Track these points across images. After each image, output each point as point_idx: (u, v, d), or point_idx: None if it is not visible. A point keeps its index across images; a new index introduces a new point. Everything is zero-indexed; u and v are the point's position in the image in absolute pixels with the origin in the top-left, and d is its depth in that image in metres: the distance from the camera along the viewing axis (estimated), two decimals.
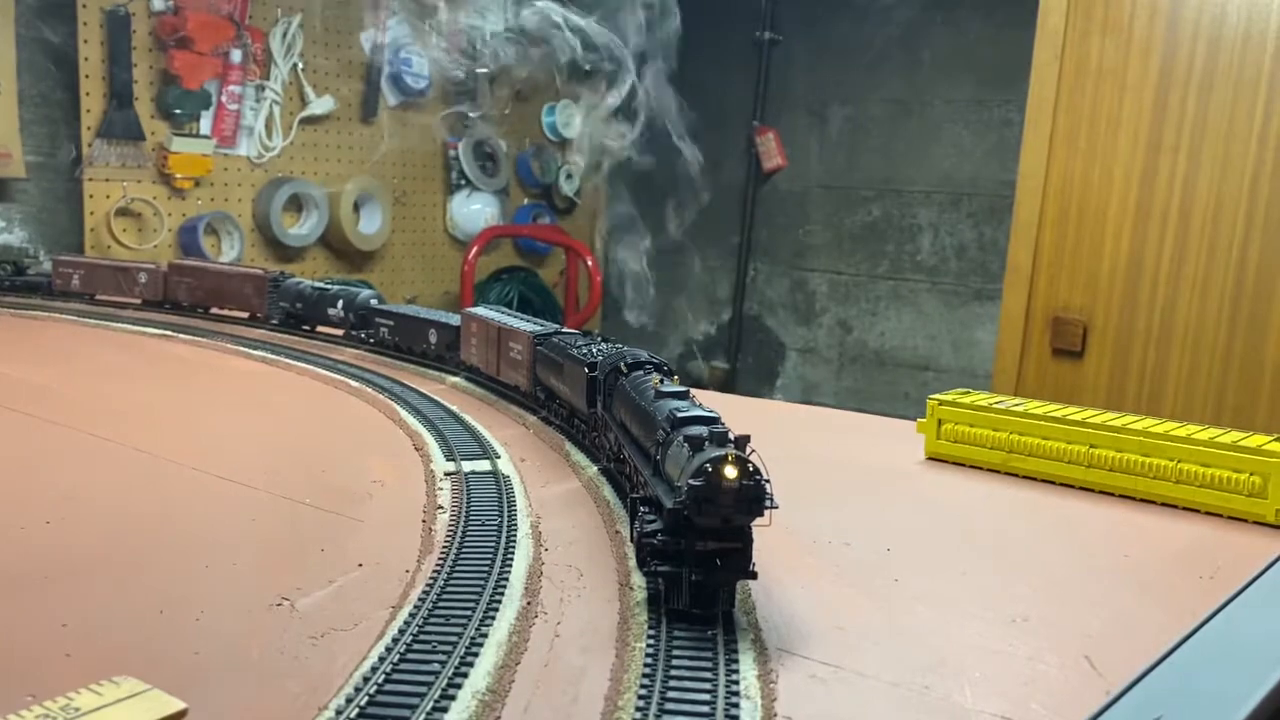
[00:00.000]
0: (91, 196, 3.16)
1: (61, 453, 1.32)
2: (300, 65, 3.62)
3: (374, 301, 2.07)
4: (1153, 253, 2.62)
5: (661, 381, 1.01)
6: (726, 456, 0.72)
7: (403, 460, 1.29)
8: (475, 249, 4.13)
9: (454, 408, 1.53)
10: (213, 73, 3.33)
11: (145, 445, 1.33)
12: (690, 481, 0.72)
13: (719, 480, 0.72)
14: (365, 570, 0.91)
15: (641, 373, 1.08)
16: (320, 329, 2.21)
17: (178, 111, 3.27)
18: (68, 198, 3.21)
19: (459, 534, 0.96)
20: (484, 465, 1.21)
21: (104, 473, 1.24)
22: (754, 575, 0.75)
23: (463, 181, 4.26)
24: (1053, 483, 1.27)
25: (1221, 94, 2.49)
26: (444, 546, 0.93)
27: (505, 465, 1.22)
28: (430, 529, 1.00)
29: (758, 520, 0.74)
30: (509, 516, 1.02)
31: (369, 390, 1.67)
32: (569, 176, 4.67)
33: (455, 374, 1.79)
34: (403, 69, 3.91)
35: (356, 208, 3.83)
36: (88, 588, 0.88)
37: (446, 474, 1.18)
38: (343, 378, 1.76)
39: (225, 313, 2.39)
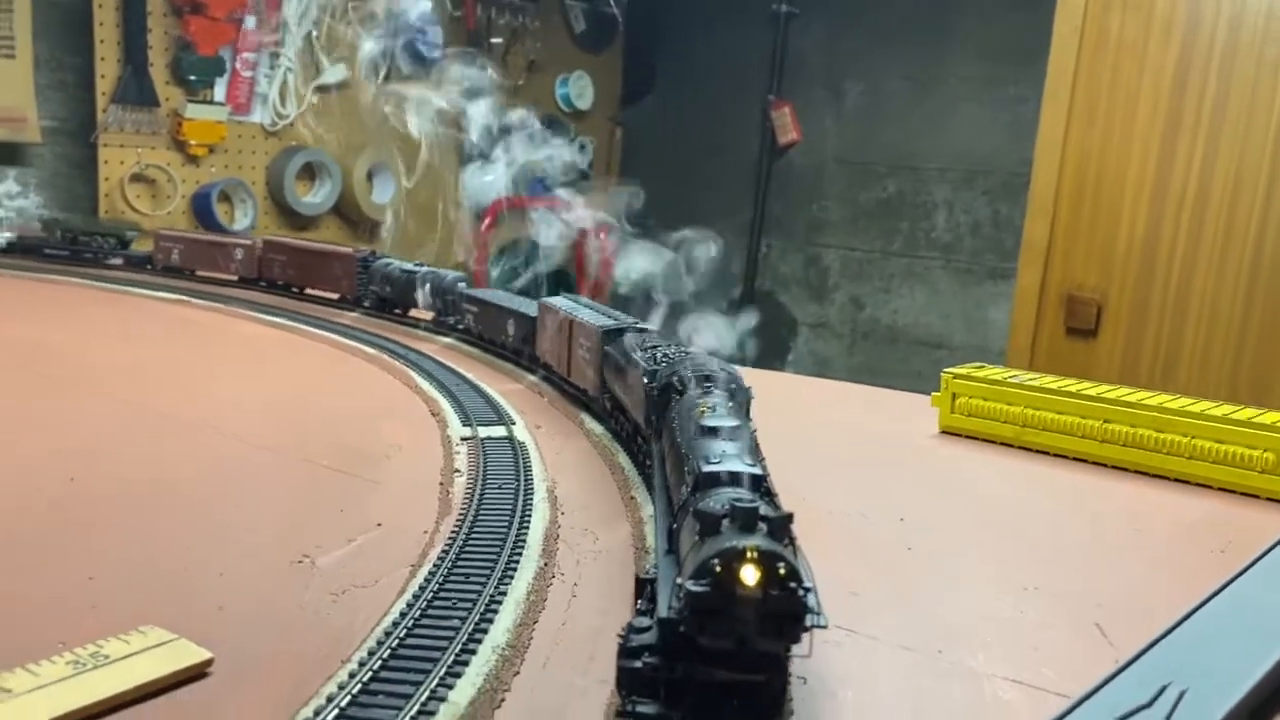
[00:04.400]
0: (106, 162, 3.17)
1: (85, 414, 1.33)
2: (315, 33, 3.60)
3: (461, 285, 1.87)
4: (1169, 230, 2.60)
5: (713, 408, 0.76)
6: (745, 552, 0.50)
7: (419, 425, 1.30)
8: (488, 220, 4.13)
9: (470, 375, 1.53)
10: (227, 39, 3.33)
11: (168, 409, 1.35)
12: (689, 585, 0.50)
13: (731, 587, 0.50)
14: (384, 530, 0.93)
15: (699, 391, 0.83)
16: (411, 313, 2.02)
17: (192, 78, 3.27)
18: (82, 163, 3.22)
19: (476, 496, 0.97)
20: (500, 431, 1.22)
21: (126, 434, 1.25)
22: None
23: (475, 152, 4.25)
24: (1066, 457, 1.28)
25: (1243, 70, 2.46)
26: (462, 508, 0.94)
27: (521, 431, 1.23)
28: (448, 491, 1.01)
29: (796, 648, 0.52)
30: (525, 481, 1.03)
31: (385, 358, 1.68)
32: (582, 148, 4.65)
33: (533, 372, 1.58)
34: (417, 37, 3.90)
35: (369, 177, 3.83)
36: (112, 544, 0.90)
37: (463, 439, 1.19)
38: (356, 343, 1.77)
39: (316, 293, 2.23)
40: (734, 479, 0.61)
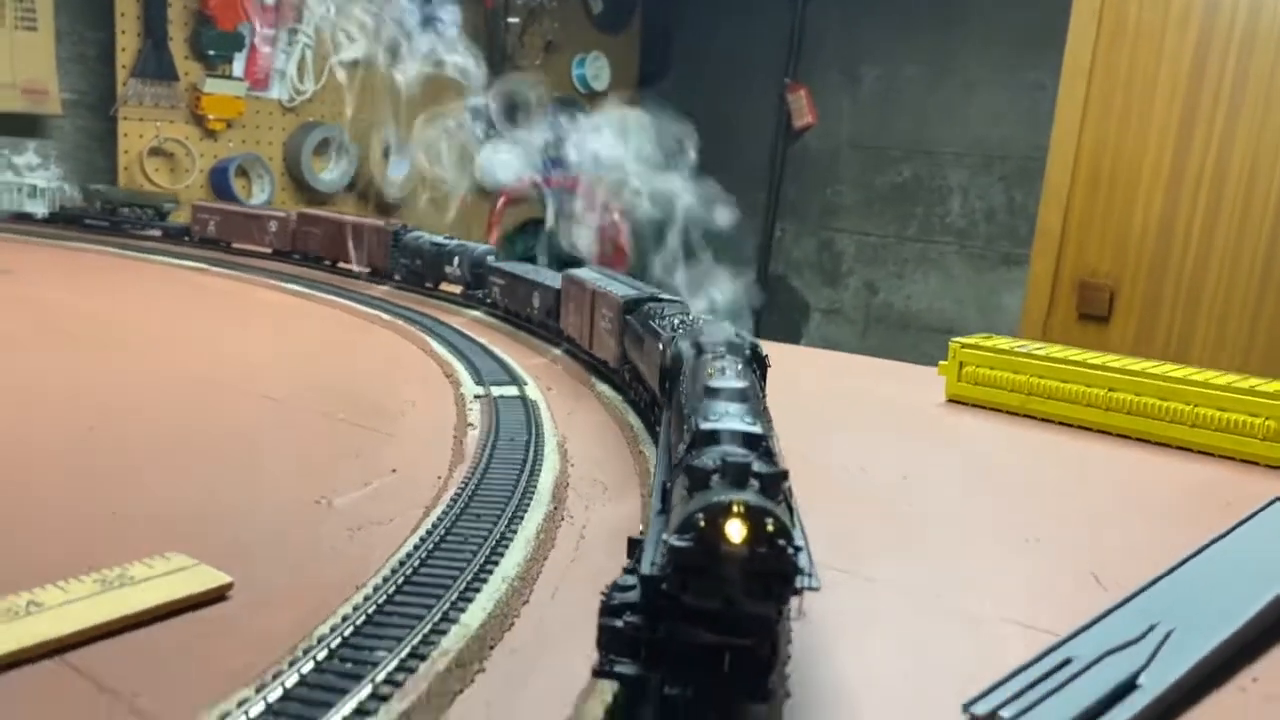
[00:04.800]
0: (125, 135, 3.20)
1: (115, 371, 1.37)
2: (333, 9, 3.62)
3: (490, 258, 1.87)
4: (1184, 217, 2.60)
5: (722, 370, 0.75)
6: (731, 506, 0.47)
7: (434, 385, 1.32)
8: (503, 199, 4.15)
9: (483, 340, 1.56)
10: (246, 15, 3.35)
11: (197, 368, 1.38)
12: (672, 540, 0.47)
13: (716, 542, 0.47)
14: (399, 475, 0.95)
15: (711, 356, 0.82)
16: (442, 287, 2.02)
17: (211, 53, 3.30)
18: (102, 136, 3.25)
19: (489, 447, 0.99)
20: (512, 391, 1.24)
21: (156, 389, 1.28)
22: (767, 697, 0.49)
23: (492, 131, 4.26)
24: (1071, 425, 1.29)
25: (1262, 56, 2.45)
26: (475, 457, 0.96)
27: (532, 391, 1.25)
28: (461, 443, 1.04)
29: (788, 610, 0.50)
30: (536, 435, 1.05)
31: (401, 323, 1.70)
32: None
33: (558, 346, 1.55)
34: (433, 15, 3.91)
35: (386, 154, 3.85)
36: (137, 484, 0.93)
37: (476, 397, 1.21)
38: (379, 313, 1.80)
39: (349, 267, 2.21)
40: (731, 436, 0.58)
